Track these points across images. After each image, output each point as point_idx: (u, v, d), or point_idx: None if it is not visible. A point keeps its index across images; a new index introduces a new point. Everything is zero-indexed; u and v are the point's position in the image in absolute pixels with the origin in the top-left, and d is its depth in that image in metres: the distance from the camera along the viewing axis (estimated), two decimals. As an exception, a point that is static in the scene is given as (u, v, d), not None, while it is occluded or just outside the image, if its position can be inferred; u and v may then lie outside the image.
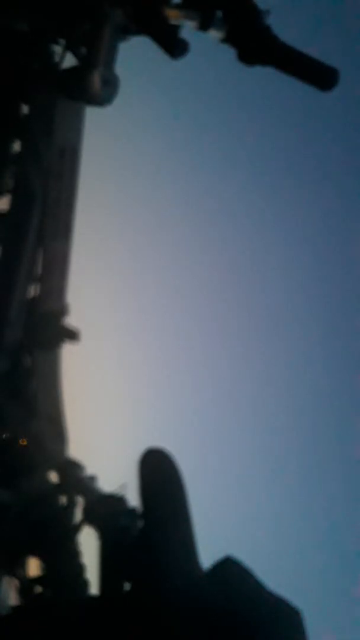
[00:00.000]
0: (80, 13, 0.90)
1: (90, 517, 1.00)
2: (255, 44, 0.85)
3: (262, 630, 0.44)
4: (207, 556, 0.49)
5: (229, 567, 0.48)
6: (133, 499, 0.96)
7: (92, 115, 0.99)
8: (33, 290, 1.04)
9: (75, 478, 1.06)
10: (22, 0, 0.93)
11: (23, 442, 1.07)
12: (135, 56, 0.95)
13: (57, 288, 1.05)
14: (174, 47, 0.82)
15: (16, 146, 0.99)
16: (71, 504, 1.04)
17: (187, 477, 0.50)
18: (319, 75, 0.84)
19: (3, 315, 1.01)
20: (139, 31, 0.90)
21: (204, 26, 0.87)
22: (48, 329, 1.06)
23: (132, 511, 0.95)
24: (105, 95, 0.94)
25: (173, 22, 0.85)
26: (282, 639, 0.45)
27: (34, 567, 1.02)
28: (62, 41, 0.94)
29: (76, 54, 0.92)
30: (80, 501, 1.04)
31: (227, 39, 0.87)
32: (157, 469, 0.50)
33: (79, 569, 1.00)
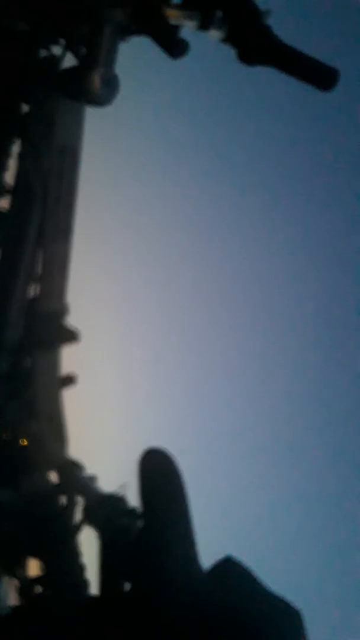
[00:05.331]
0: (80, 13, 0.90)
1: (90, 517, 1.00)
2: (255, 44, 0.85)
3: (262, 631, 0.44)
4: (207, 556, 0.49)
5: (229, 567, 0.48)
6: (133, 499, 0.96)
7: (92, 115, 0.99)
8: (33, 290, 1.04)
9: (75, 478, 1.06)
10: (22, 0, 0.93)
11: (23, 442, 1.07)
12: (135, 56, 0.95)
13: (57, 288, 1.05)
14: (174, 47, 0.82)
15: (16, 146, 0.99)
16: (71, 504, 1.04)
17: (187, 477, 0.50)
18: (319, 75, 0.84)
19: (3, 316, 1.01)
20: (139, 31, 0.90)
21: (204, 26, 0.86)
22: (48, 329, 1.06)
23: (132, 511, 0.95)
24: (105, 95, 0.94)
25: (173, 22, 0.85)
26: (282, 639, 0.45)
27: (34, 567, 1.03)
28: (62, 41, 0.94)
29: (76, 54, 0.92)
30: (80, 501, 1.04)
31: (227, 39, 0.87)
32: (157, 469, 0.50)
33: (79, 569, 1.01)
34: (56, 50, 0.95)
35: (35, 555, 1.02)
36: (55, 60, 0.95)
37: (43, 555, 1.02)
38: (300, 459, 3.36)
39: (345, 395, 3.36)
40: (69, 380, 1.10)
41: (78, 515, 1.04)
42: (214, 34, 0.87)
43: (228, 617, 0.44)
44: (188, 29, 0.87)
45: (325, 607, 3.23)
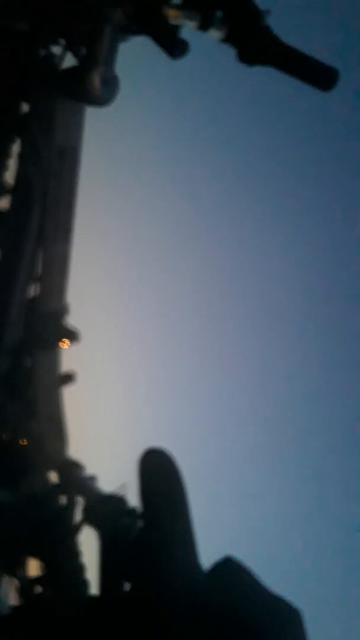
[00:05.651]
0: (80, 13, 0.90)
1: (90, 517, 1.00)
2: (255, 44, 0.85)
3: (262, 631, 0.44)
4: (207, 556, 0.49)
5: (229, 567, 0.48)
6: (133, 499, 0.96)
7: (92, 115, 0.99)
8: (33, 290, 1.04)
9: (75, 478, 1.06)
10: (22, 0, 0.93)
11: (23, 442, 1.07)
12: (135, 56, 0.95)
13: (57, 288, 1.06)
14: (174, 47, 0.82)
15: (16, 146, 0.99)
16: (71, 504, 1.04)
17: (187, 477, 0.50)
18: (319, 75, 0.84)
19: (3, 315, 1.01)
20: (139, 31, 0.90)
21: (204, 26, 0.86)
22: (48, 329, 1.06)
23: (132, 511, 0.95)
24: (105, 95, 0.93)
25: (173, 22, 0.85)
26: (282, 639, 0.45)
27: (34, 567, 1.03)
28: (62, 41, 0.94)
29: (76, 54, 0.92)
30: (80, 501, 1.04)
31: (227, 39, 0.87)
32: (157, 469, 0.50)
33: (79, 569, 1.01)
34: (56, 50, 0.95)
35: (35, 555, 1.02)
36: (55, 60, 0.95)
37: (43, 555, 1.02)
38: (301, 458, 3.36)
39: (346, 396, 3.36)
40: (68, 378, 1.10)
41: (78, 515, 1.04)
42: (214, 34, 0.87)
43: (228, 617, 0.44)
44: (188, 29, 0.87)
45: (325, 607, 3.23)
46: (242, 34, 0.86)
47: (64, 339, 1.07)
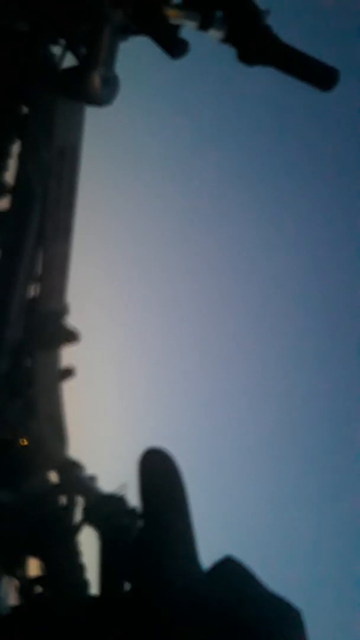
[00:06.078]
0: (80, 13, 0.90)
1: (90, 517, 1.00)
2: (255, 44, 0.85)
3: (262, 631, 0.44)
4: (207, 556, 0.49)
5: (229, 567, 0.48)
6: (133, 499, 0.96)
7: (92, 115, 0.99)
8: (33, 290, 1.04)
9: (75, 478, 1.06)
10: (22, 0, 0.93)
11: (23, 442, 1.07)
12: (135, 56, 0.95)
13: (57, 288, 1.06)
14: (174, 47, 0.82)
15: (16, 146, 0.99)
16: (71, 504, 1.05)
17: (188, 477, 0.50)
18: (319, 75, 0.84)
19: (3, 316, 1.01)
20: (139, 31, 0.90)
21: (204, 26, 0.87)
22: (48, 329, 1.06)
23: (132, 511, 0.96)
24: (105, 95, 0.94)
25: (173, 22, 0.85)
26: (282, 639, 0.45)
27: (34, 567, 1.03)
28: (62, 41, 0.94)
29: (76, 54, 0.92)
30: (80, 501, 1.04)
31: (227, 39, 0.87)
32: (157, 469, 0.50)
33: (79, 569, 1.01)
34: (56, 50, 0.95)
35: (35, 555, 1.02)
36: (55, 60, 0.95)
37: (43, 555, 1.02)
38: (301, 457, 3.36)
39: (347, 395, 3.36)
40: (67, 372, 1.10)
41: (78, 515, 1.04)
42: (214, 34, 0.87)
43: (228, 618, 0.44)
44: (188, 29, 0.87)
45: (325, 607, 3.23)
46: (242, 34, 0.86)
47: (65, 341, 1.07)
